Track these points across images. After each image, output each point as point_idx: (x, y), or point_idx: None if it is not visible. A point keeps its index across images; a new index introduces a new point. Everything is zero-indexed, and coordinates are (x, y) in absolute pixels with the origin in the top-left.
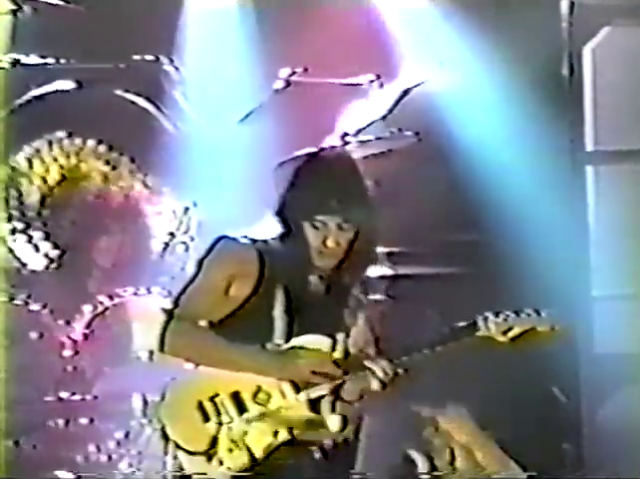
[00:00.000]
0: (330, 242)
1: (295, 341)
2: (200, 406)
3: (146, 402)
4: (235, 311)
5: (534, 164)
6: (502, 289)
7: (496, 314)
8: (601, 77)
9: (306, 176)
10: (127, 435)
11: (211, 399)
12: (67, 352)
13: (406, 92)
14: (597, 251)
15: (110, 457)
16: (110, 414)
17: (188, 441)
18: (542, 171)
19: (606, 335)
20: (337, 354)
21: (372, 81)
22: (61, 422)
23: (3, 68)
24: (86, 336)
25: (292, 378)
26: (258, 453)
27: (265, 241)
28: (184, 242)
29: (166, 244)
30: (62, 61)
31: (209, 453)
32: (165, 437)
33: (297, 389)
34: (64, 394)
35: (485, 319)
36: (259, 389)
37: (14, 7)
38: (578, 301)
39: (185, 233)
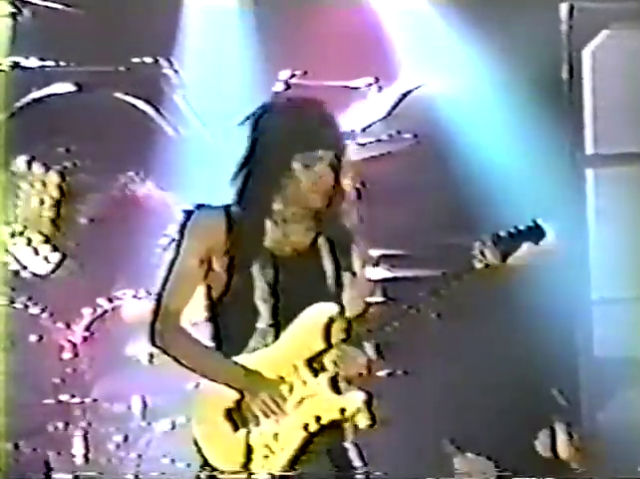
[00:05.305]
0: (329, 179)
1: (290, 330)
2: (229, 415)
3: (145, 405)
4: (225, 292)
5: (534, 167)
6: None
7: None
8: (600, 80)
9: (284, 119)
10: (126, 438)
11: (237, 404)
12: (66, 355)
13: (405, 95)
14: (597, 255)
15: (109, 460)
16: (109, 417)
17: (225, 458)
18: (542, 174)
19: (606, 338)
20: (339, 323)
21: (371, 84)
22: (60, 425)
23: (3, 71)
24: (85, 339)
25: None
26: (294, 451)
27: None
28: None
29: (166, 247)
30: (61, 64)
31: (248, 468)
32: (204, 459)
33: (315, 372)
34: (63, 397)
35: (482, 250)
36: (281, 381)
37: (14, 10)
38: (578, 304)
39: None
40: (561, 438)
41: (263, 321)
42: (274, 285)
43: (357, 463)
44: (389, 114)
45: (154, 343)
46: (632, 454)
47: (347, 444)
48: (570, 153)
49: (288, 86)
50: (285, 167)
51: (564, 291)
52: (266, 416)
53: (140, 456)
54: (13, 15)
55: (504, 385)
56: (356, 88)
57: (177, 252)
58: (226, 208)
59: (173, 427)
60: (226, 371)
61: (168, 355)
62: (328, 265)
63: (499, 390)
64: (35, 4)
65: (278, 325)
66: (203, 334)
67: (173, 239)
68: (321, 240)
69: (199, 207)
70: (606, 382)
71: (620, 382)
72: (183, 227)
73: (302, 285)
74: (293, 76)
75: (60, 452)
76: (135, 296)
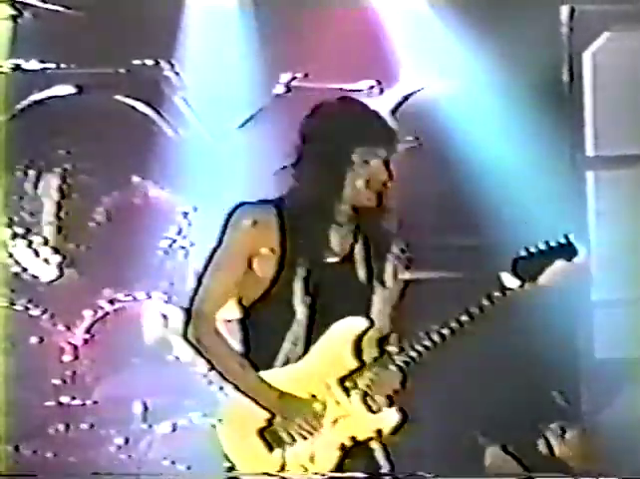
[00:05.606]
0: (383, 176)
1: (320, 344)
2: (262, 433)
3: (146, 407)
4: (265, 294)
5: (535, 169)
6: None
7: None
8: (601, 82)
9: (335, 116)
10: (127, 441)
11: (269, 422)
12: (67, 357)
13: (406, 97)
14: (597, 256)
15: (110, 462)
16: (110, 419)
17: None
18: (543, 176)
19: (606, 340)
20: (370, 336)
21: (372, 86)
22: (61, 427)
23: (4, 73)
24: (86, 341)
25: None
26: (331, 469)
27: (282, 199)
28: (184, 248)
29: (167, 250)
30: (62, 66)
31: None
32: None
33: (347, 391)
34: (64, 399)
35: (514, 269)
36: (314, 398)
37: (14, 12)
38: (579, 306)
39: (185, 238)
40: (562, 440)
41: (298, 327)
42: (314, 291)
43: (383, 463)
44: (390, 116)
45: (186, 339)
46: (633, 455)
47: (374, 445)
48: (571, 155)
49: (289, 88)
50: (346, 159)
51: (565, 293)
52: (304, 438)
53: (140, 459)
54: (14, 17)
55: (505, 387)
56: (357, 90)
57: (217, 250)
58: (277, 204)
59: (174, 429)
60: (259, 391)
61: (202, 356)
62: (362, 275)
63: (500, 391)
64: (36, 6)
65: (311, 334)
66: (234, 333)
67: (174, 241)
68: (357, 248)
69: (246, 203)
70: (607, 384)
71: (621, 384)
72: (226, 223)
73: (339, 294)
74: (294, 78)
75: (60, 454)
76: (134, 298)
